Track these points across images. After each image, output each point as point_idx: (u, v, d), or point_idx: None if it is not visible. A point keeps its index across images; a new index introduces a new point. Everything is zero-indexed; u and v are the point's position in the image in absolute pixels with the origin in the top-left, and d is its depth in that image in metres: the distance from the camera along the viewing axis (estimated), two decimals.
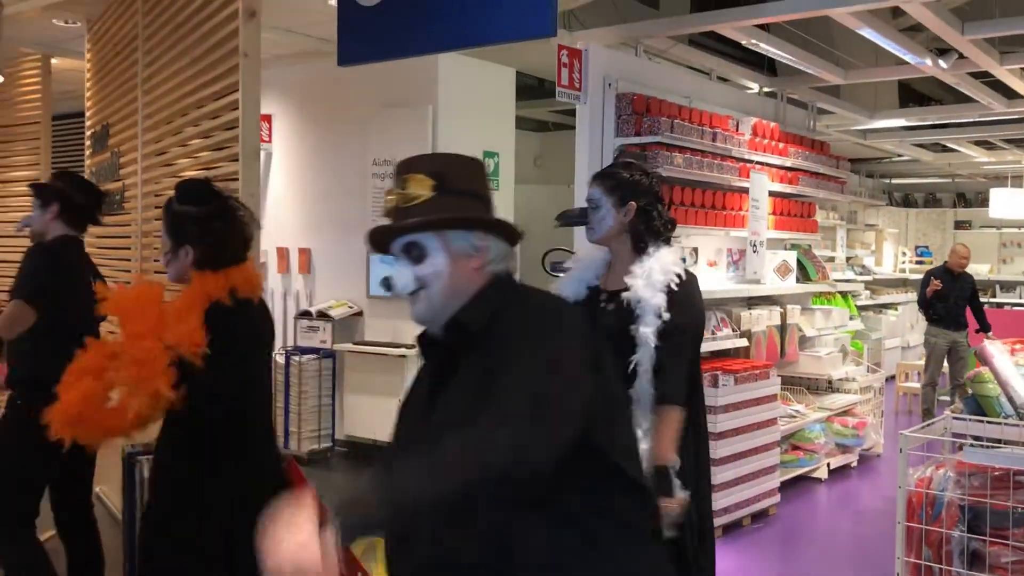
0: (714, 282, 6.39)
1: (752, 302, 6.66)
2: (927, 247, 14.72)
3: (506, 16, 3.86)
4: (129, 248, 5.01)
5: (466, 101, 7.27)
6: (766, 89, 7.51)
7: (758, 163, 6.45)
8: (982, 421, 4.22)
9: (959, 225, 14.81)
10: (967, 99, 8.49)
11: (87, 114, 6.48)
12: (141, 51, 5.05)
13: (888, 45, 5.97)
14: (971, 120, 9.49)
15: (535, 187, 9.21)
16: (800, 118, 7.88)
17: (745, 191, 6.37)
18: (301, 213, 7.88)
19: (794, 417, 6.44)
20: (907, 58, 6.32)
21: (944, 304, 8.71)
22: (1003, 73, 6.67)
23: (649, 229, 2.89)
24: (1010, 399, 4.36)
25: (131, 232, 5.05)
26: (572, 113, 9.76)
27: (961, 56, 6.38)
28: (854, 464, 7.24)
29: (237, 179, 3.59)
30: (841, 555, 5.44)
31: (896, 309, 12.95)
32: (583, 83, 5.61)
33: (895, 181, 15.26)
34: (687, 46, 6.43)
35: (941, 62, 6.42)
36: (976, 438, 4.18)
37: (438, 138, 7.07)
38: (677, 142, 5.65)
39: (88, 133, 6.41)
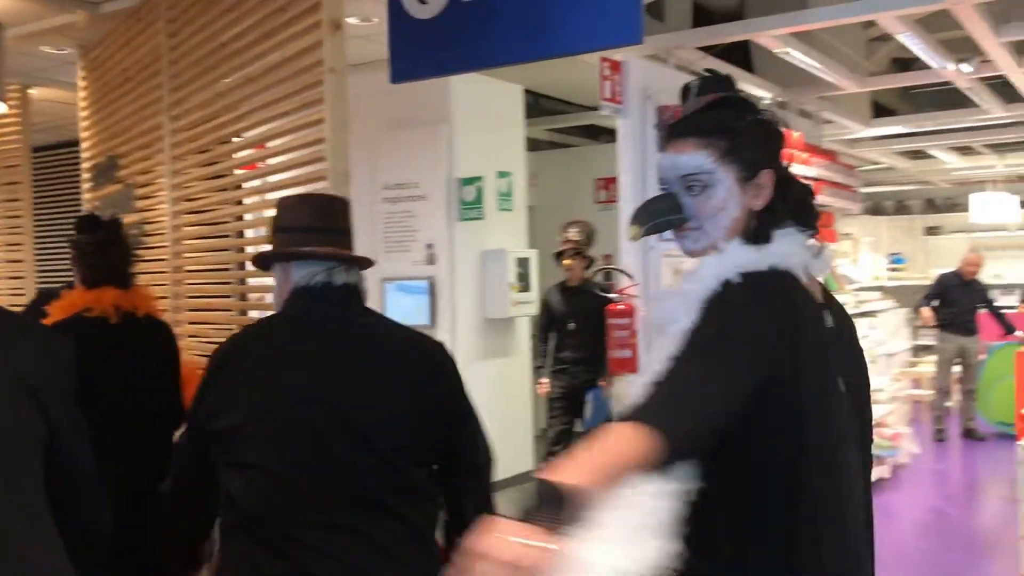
0: None
1: None
2: (900, 254, 14.86)
3: (590, 23, 3.63)
4: (164, 284, 4.65)
5: (479, 120, 7.05)
6: (779, 100, 7.42)
7: None
8: None
9: (930, 231, 15.01)
10: (950, 106, 8.62)
11: (84, 145, 6.09)
12: (166, 75, 4.72)
13: (921, 50, 5.91)
14: (959, 126, 9.56)
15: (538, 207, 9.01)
16: (806, 128, 7.82)
17: None
18: None
19: None
20: (933, 63, 6.27)
21: (951, 310, 8.73)
22: (1020, 76, 6.67)
23: (788, 208, 1.66)
24: None
25: (165, 268, 4.69)
26: (567, 131, 9.67)
27: (983, 61, 6.35)
28: (887, 476, 7.14)
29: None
30: (902, 568, 5.28)
31: (876, 316, 13.02)
32: (624, 96, 5.43)
33: (865, 190, 15.41)
34: (714, 57, 6.29)
35: (964, 67, 6.39)
36: None
37: (455, 158, 6.82)
38: None
39: (88, 165, 6.02)
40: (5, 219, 6.48)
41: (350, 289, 2.10)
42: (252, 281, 4.31)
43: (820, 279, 1.68)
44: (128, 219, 5.31)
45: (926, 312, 8.64)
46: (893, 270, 14.48)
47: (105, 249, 3.13)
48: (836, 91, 7.38)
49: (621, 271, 5.43)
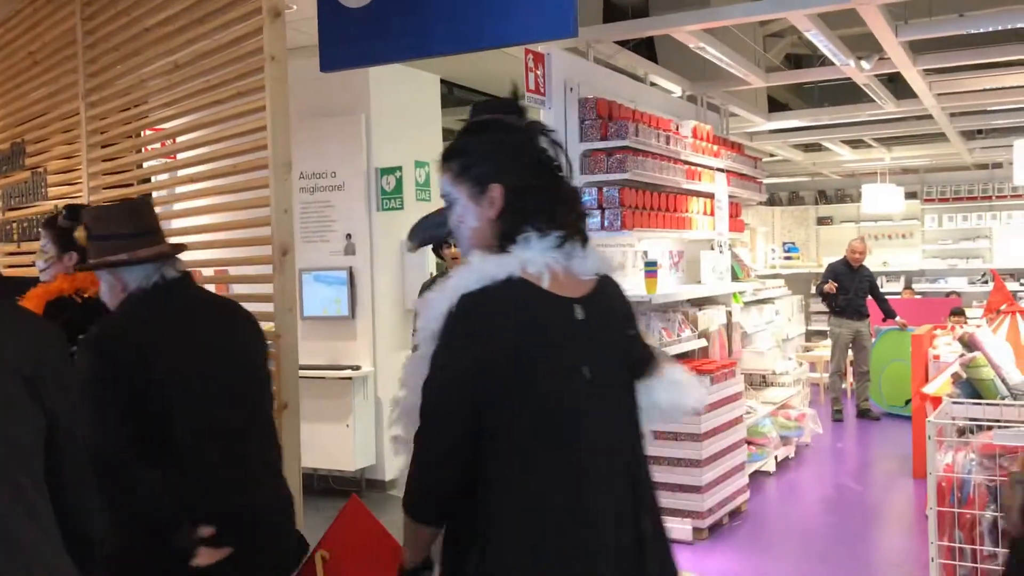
0: (668, 284, 6.44)
1: (695, 303, 6.74)
2: (793, 243, 15.45)
3: (526, 16, 3.67)
4: None
5: (396, 110, 7.03)
6: (688, 93, 7.64)
7: (698, 165, 6.54)
8: (981, 404, 4.41)
9: (821, 221, 15.63)
10: (840, 101, 9.04)
11: None
12: (82, 59, 4.57)
13: (825, 47, 6.18)
14: (852, 120, 10.01)
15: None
16: (713, 121, 8.06)
17: (689, 193, 6.45)
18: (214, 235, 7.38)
19: (748, 413, 6.55)
20: (836, 60, 6.56)
21: (845, 296, 9.16)
22: (914, 74, 7.04)
23: (526, 215, 1.81)
24: (1003, 381, 4.57)
25: None
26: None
27: (882, 58, 6.68)
28: (792, 455, 7.45)
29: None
30: (819, 543, 5.55)
31: (773, 303, 13.54)
32: (547, 88, 5.51)
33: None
34: (629, 51, 6.44)
35: (864, 63, 6.70)
36: (972, 419, 4.37)
37: (373, 148, 6.79)
38: (641, 146, 5.63)
39: None
40: None
41: (185, 277, 2.49)
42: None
43: (588, 271, 1.87)
44: (39, 207, 5.13)
45: (830, 286, 9.01)
46: (787, 258, 15.06)
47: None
48: (738, 86, 7.63)
49: None
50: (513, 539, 1.71)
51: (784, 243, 15.50)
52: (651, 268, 5.68)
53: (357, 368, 6.70)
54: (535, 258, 1.76)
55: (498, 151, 1.83)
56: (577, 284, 1.83)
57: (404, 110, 7.10)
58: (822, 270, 13.90)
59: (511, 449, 1.72)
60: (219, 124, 3.62)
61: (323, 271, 6.81)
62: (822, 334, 12.32)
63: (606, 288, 1.91)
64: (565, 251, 1.80)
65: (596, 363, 1.81)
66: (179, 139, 3.71)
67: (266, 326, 3.40)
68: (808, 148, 13.05)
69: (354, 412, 6.58)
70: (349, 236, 6.84)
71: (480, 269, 1.75)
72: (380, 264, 6.83)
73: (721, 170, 6.93)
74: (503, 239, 1.79)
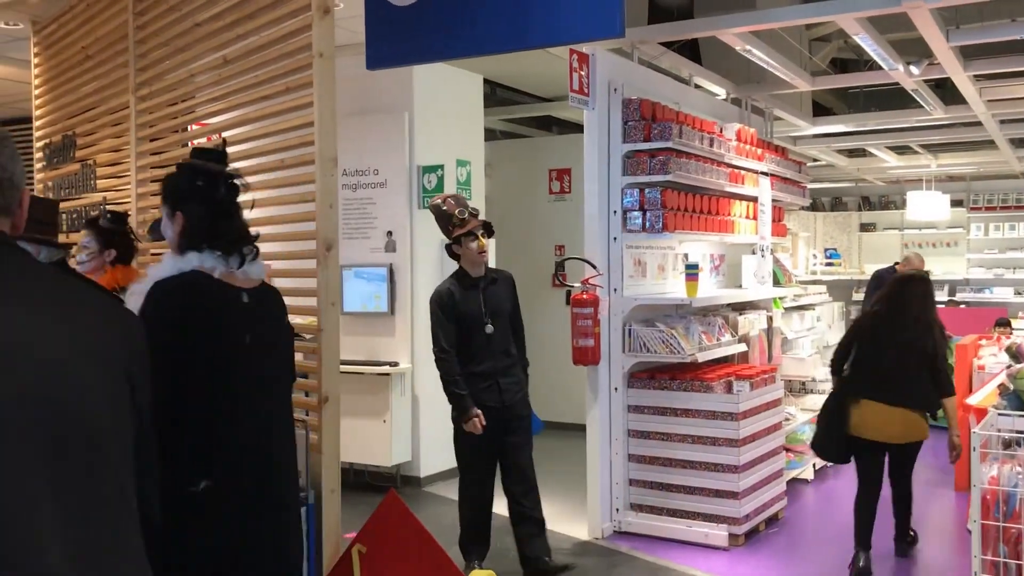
0: (708, 288, 6.40)
1: (735, 307, 6.70)
2: (835, 249, 15.27)
3: (573, 15, 3.66)
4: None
5: (439, 108, 7.05)
6: (733, 96, 7.58)
7: (741, 168, 6.49)
8: None
9: (864, 227, 15.43)
10: (885, 106, 8.91)
11: (37, 124, 5.94)
12: (133, 54, 4.64)
13: (874, 51, 6.10)
14: (899, 126, 9.87)
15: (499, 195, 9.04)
16: (757, 124, 7.99)
17: (732, 196, 6.40)
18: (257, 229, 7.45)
19: (788, 420, 6.49)
20: (884, 65, 6.47)
21: None
22: (964, 80, 6.92)
23: (196, 236, 2.59)
24: None
25: None
26: (522, 122, 9.72)
27: (931, 63, 6.58)
28: (830, 464, 7.36)
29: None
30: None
31: (814, 310, 13.40)
32: (591, 88, 5.50)
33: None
34: (674, 53, 6.40)
35: (913, 68, 6.61)
36: (1019, 431, 4.28)
37: (415, 146, 6.82)
38: (684, 148, 5.60)
39: (40, 145, 5.87)
40: None
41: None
42: None
43: (253, 276, 2.67)
44: (88, 199, 5.22)
45: None
46: (828, 264, 14.89)
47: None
48: (783, 89, 7.56)
49: (586, 261, 5.50)
50: (192, 455, 2.43)
51: (826, 249, 15.33)
52: (692, 271, 5.65)
53: (395, 364, 6.73)
54: (205, 260, 2.55)
55: (186, 189, 2.63)
56: (245, 280, 2.63)
57: (447, 109, 7.13)
58: (864, 277, 13.76)
59: (196, 388, 2.45)
60: (266, 119, 3.65)
61: (364, 267, 6.85)
62: None
63: (268, 288, 2.75)
64: (229, 260, 2.58)
65: (256, 332, 2.59)
66: (226, 134, 3.75)
67: (309, 320, 3.43)
68: (852, 153, 12.90)
69: (391, 408, 6.61)
70: (390, 233, 6.88)
71: (171, 264, 2.56)
72: (420, 262, 6.86)
73: (765, 173, 6.87)
74: (184, 249, 2.57)
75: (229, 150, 3.96)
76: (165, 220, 2.66)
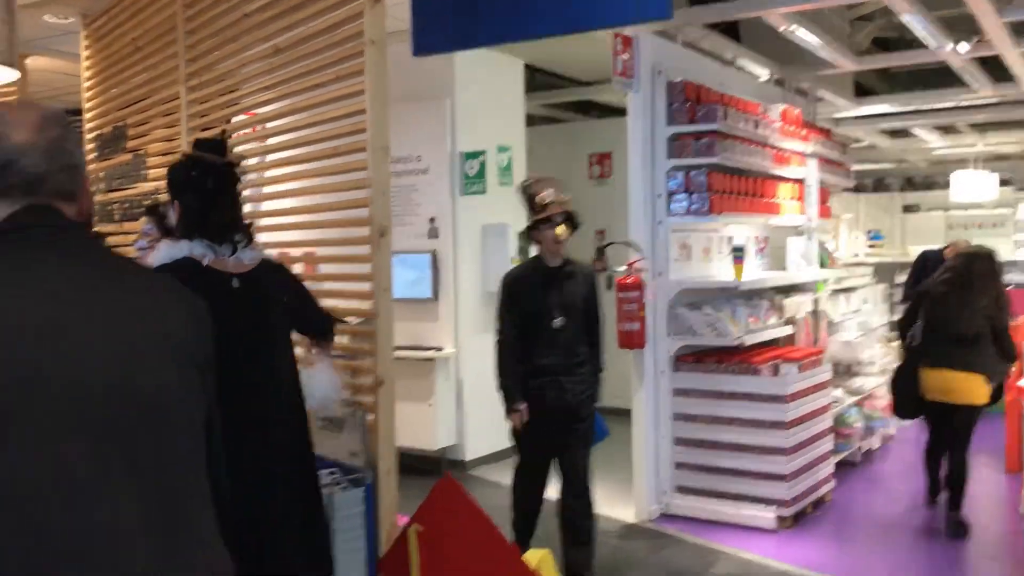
0: (753, 270, 6.37)
1: (781, 290, 6.65)
2: (879, 231, 15.08)
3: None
4: None
5: (480, 95, 7.07)
6: (776, 77, 7.51)
7: (787, 150, 6.44)
8: None
9: (907, 209, 15.23)
10: (929, 86, 8.76)
11: (88, 116, 6.05)
12: (183, 44, 4.71)
13: (923, 28, 6.01)
14: (944, 106, 9.71)
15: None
16: (800, 106, 7.91)
17: (777, 178, 6.36)
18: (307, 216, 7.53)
19: (835, 403, 6.45)
20: (933, 43, 6.38)
21: None
22: (1015, 57, 6.80)
23: (190, 225, 2.77)
24: None
25: None
26: (560, 107, 9.70)
27: (980, 40, 6.47)
28: (877, 446, 7.31)
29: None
30: (907, 535, 5.44)
31: (857, 292, 13.25)
32: (635, 71, 5.48)
33: None
34: (718, 34, 6.36)
35: (962, 46, 6.51)
36: None
37: (458, 132, 6.85)
38: (730, 130, 5.57)
39: (91, 136, 5.98)
40: None
41: None
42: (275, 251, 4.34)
43: (246, 261, 2.80)
44: (139, 189, 5.31)
45: None
46: (872, 246, 14.71)
47: None
48: (826, 70, 7.47)
49: (631, 244, 5.50)
50: None
51: (869, 231, 15.15)
52: (739, 254, 5.63)
53: (439, 349, 6.78)
54: (195, 248, 2.71)
55: (182, 180, 2.79)
56: (237, 266, 2.77)
57: (488, 95, 7.14)
58: (908, 259, 13.57)
59: None
60: (317, 107, 3.69)
61: (407, 253, 6.90)
62: None
63: (265, 269, 2.85)
64: (219, 248, 2.73)
65: (248, 315, 2.72)
66: (277, 122, 3.80)
67: (364, 306, 3.48)
68: (894, 134, 12.71)
69: (436, 392, 6.67)
70: (433, 220, 6.92)
71: (165, 252, 2.73)
72: (462, 248, 6.89)
73: (810, 155, 6.81)
74: (180, 237, 2.75)
75: (278, 139, 4.05)
76: (171, 210, 2.88)
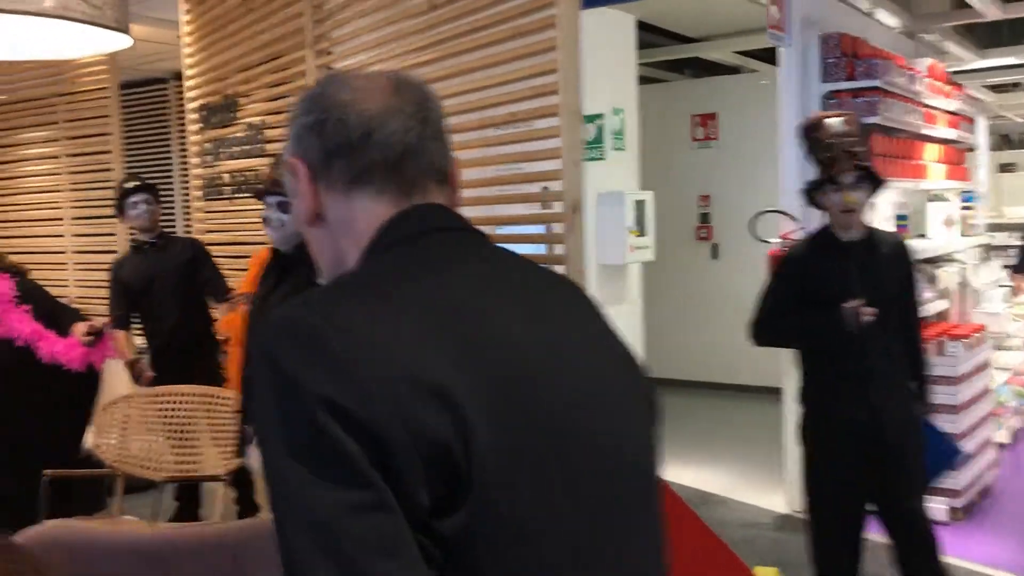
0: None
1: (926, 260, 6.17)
2: (971, 192, 14.39)
3: None
4: None
5: (594, 54, 6.60)
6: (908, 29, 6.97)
7: (936, 108, 5.93)
8: None
9: (1004, 168, 14.53)
10: None
11: (189, 84, 5.71)
12: (310, 3, 4.33)
13: None
14: None
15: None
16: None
17: (926, 139, 5.86)
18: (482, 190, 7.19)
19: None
20: None
21: None
22: None
23: None
24: None
25: None
26: (663, 66, 9.20)
27: None
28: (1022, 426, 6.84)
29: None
30: None
31: (992, 259, 12.67)
32: (787, 24, 5.01)
33: None
34: None
35: None
36: None
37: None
38: (890, 87, 5.08)
39: (195, 105, 5.64)
40: (94, 155, 6.15)
41: None
42: None
43: None
44: (252, 162, 4.98)
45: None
46: (965, 208, 14.04)
47: None
48: (967, 19, 6.91)
49: (785, 213, 5.06)
50: None
51: (962, 192, 14.47)
52: (902, 222, 5.18)
53: None
54: None
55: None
56: None
57: (601, 54, 6.67)
58: (1003, 220, 12.93)
59: None
60: (488, 69, 3.29)
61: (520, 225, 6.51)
62: None
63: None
64: None
65: None
66: (437, 86, 3.40)
67: None
68: (996, 89, 12.02)
69: None
70: (545, 188, 6.50)
71: None
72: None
73: (954, 113, 6.30)
74: None
75: (449, 102, 3.67)
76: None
